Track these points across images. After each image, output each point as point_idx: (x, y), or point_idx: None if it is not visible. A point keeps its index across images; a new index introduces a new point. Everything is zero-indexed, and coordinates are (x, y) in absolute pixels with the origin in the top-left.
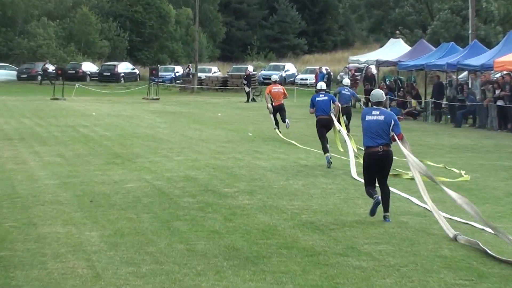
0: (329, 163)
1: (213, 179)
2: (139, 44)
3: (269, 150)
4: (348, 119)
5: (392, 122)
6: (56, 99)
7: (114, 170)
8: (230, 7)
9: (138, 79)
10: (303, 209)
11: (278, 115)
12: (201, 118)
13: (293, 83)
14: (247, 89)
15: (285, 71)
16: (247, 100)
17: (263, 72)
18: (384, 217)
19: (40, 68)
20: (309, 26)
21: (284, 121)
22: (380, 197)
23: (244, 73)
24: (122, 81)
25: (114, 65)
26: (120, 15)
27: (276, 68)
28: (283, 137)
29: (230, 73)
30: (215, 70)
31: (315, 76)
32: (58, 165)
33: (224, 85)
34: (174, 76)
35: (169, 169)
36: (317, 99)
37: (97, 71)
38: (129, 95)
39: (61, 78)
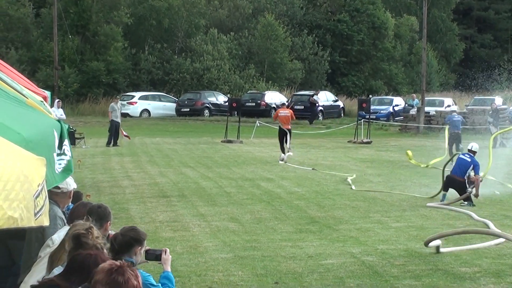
0: None
1: (445, 254)
2: (343, 67)
3: None
4: None
5: None
6: (229, 141)
7: (308, 240)
8: (470, 15)
9: (342, 114)
10: None
11: None
12: (429, 170)
13: None
14: (493, 130)
15: None
16: (494, 145)
17: None
18: None
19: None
20: None
21: None
22: None
23: (489, 108)
24: (320, 117)
25: (309, 96)
26: (318, 26)
27: None
28: None
29: (469, 107)
30: (449, 103)
31: None
32: (232, 233)
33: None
34: (392, 110)
35: (384, 240)
36: None
37: (287, 103)
38: (330, 137)
39: (236, 113)
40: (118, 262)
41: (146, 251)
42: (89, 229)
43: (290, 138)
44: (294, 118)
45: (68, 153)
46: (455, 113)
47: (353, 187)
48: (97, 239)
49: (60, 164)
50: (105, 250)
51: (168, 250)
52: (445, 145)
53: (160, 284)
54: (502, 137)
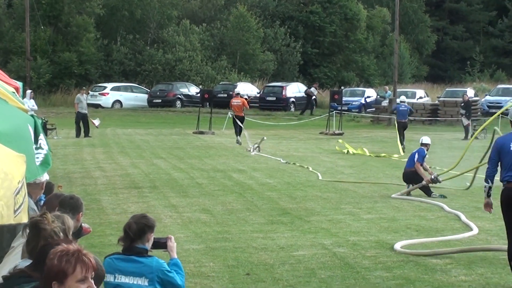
0: None
1: (417, 246)
2: (315, 58)
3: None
4: None
5: None
6: (201, 133)
7: (279, 231)
8: (442, 7)
9: (314, 106)
10: None
11: None
12: (402, 162)
13: None
14: (465, 122)
15: None
16: (465, 137)
17: (487, 98)
18: None
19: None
20: None
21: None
22: None
23: (461, 99)
24: (292, 108)
25: (282, 87)
26: (290, 17)
27: (508, 93)
28: None
29: (441, 98)
30: (421, 95)
31: None
32: (203, 224)
33: (433, 115)
34: (364, 102)
35: (356, 232)
36: None
37: (258, 95)
38: (302, 128)
39: (208, 104)
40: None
41: None
42: (44, 214)
43: (243, 124)
44: (248, 106)
45: (45, 146)
46: (403, 103)
47: (320, 177)
48: (53, 223)
49: (38, 158)
50: (61, 234)
51: (173, 238)
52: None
53: (173, 271)
54: (474, 129)
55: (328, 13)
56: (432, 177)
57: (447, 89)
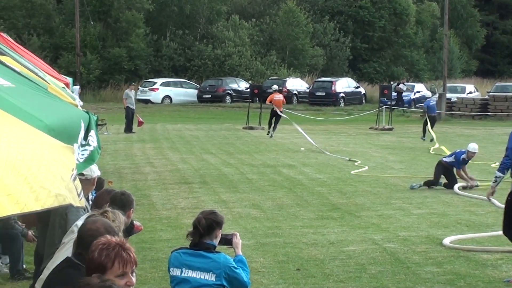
0: None
1: (467, 241)
2: (365, 53)
3: None
4: None
5: None
6: (251, 128)
7: (330, 227)
8: (492, 1)
9: (363, 101)
10: None
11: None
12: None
13: None
14: None
15: None
16: None
17: None
18: None
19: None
20: None
21: None
22: None
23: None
24: (342, 104)
25: (331, 82)
26: (339, 12)
27: None
28: None
29: (491, 93)
30: (471, 90)
31: None
32: (253, 220)
33: (483, 110)
34: (413, 97)
35: (406, 227)
36: None
37: (307, 90)
38: (352, 123)
39: (257, 99)
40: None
41: None
42: (104, 213)
43: (279, 119)
44: (285, 102)
45: (93, 143)
46: (431, 98)
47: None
48: (113, 222)
49: (83, 154)
50: (120, 234)
51: (238, 234)
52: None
53: (239, 268)
54: None
55: (377, 8)
56: (475, 184)
57: (497, 83)
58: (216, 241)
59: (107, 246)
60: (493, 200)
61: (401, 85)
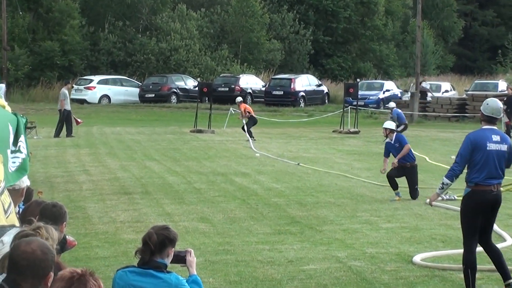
0: None
1: (442, 258)
2: (328, 47)
3: None
4: None
5: None
6: (200, 131)
7: (288, 243)
8: None
9: (326, 101)
10: None
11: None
12: (426, 164)
13: None
14: (505, 119)
15: None
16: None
17: None
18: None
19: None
20: None
21: None
22: None
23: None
24: (302, 104)
25: (290, 79)
26: (299, 1)
27: None
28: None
29: (469, 92)
30: (446, 88)
31: None
32: (202, 235)
33: (460, 111)
34: (381, 97)
35: (374, 243)
36: None
37: (263, 89)
38: (313, 126)
39: (207, 99)
40: (79, 270)
41: None
42: (37, 229)
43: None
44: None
45: (24, 150)
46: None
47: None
48: (47, 241)
49: (14, 162)
50: (54, 252)
51: (192, 252)
52: None
53: None
54: None
55: None
56: None
57: (476, 81)
58: (168, 260)
59: (76, 277)
60: (438, 204)
61: (423, 84)
